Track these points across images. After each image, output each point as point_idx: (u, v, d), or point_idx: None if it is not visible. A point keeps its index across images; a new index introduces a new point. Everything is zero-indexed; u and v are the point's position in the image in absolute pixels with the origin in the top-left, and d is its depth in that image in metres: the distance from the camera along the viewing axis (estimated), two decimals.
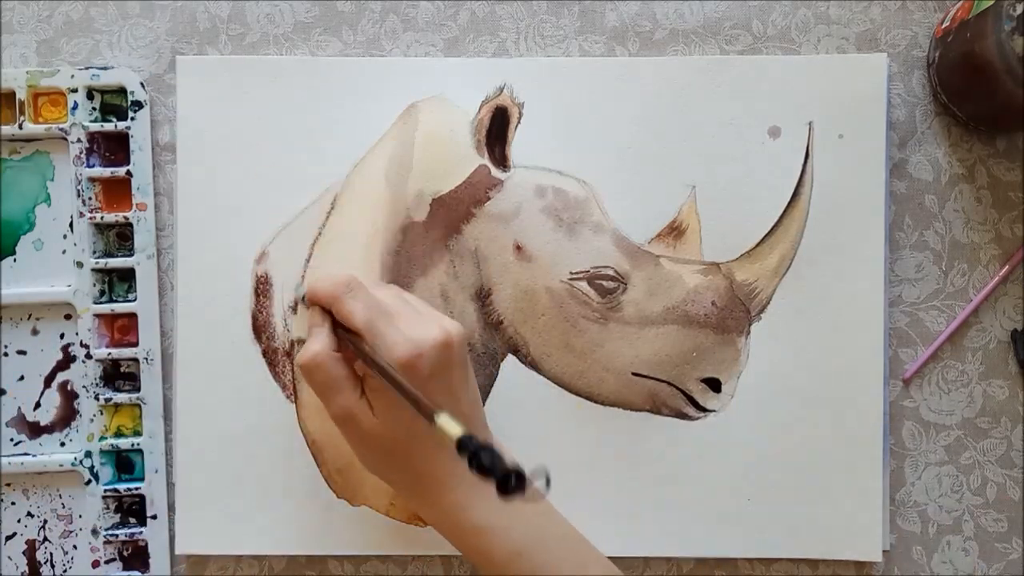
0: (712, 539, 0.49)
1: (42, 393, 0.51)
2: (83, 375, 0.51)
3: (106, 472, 0.51)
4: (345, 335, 0.42)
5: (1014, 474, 0.50)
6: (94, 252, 0.51)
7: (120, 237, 0.52)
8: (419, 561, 0.51)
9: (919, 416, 0.50)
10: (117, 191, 0.51)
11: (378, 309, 0.42)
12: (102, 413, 0.51)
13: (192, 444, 0.50)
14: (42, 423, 0.51)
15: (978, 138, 0.51)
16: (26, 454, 0.51)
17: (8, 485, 0.51)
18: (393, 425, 0.41)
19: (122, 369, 0.52)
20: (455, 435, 0.35)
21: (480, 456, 0.34)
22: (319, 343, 0.42)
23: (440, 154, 0.50)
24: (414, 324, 0.42)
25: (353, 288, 0.42)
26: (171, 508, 0.51)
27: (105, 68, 0.51)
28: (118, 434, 0.51)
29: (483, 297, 0.49)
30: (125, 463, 0.51)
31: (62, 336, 0.51)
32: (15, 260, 0.51)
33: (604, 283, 0.49)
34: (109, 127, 0.51)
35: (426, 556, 0.50)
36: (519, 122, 0.50)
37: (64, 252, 0.51)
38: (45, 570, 0.51)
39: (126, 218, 0.51)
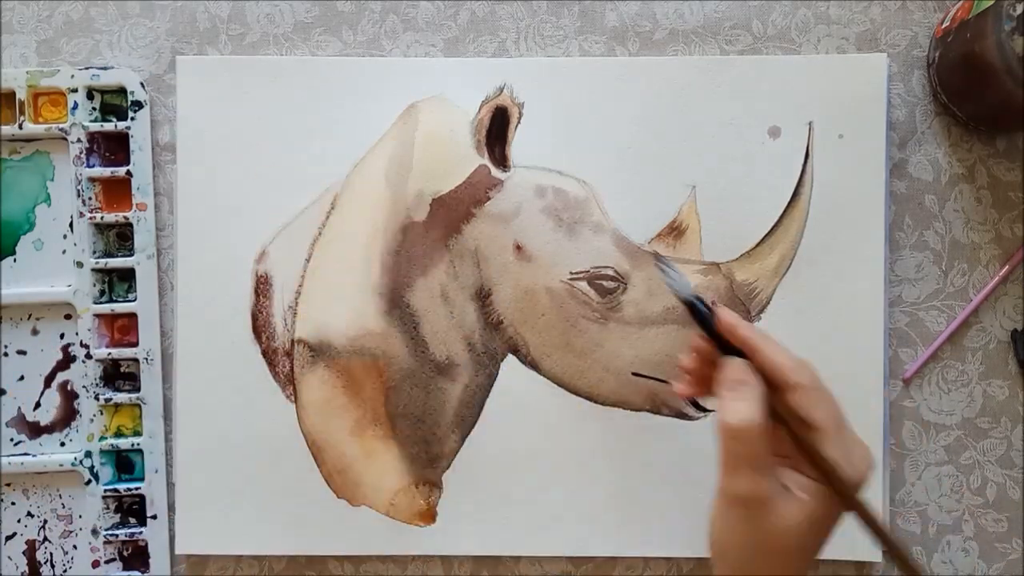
0: None
1: (42, 393, 0.51)
2: (83, 375, 0.51)
3: (106, 472, 0.51)
4: (794, 425, 0.37)
5: (1014, 474, 0.50)
6: (94, 252, 0.51)
7: (120, 237, 0.52)
8: (419, 561, 0.51)
9: (919, 416, 0.50)
10: (117, 191, 0.51)
11: (840, 411, 0.37)
12: (102, 413, 0.51)
13: (192, 444, 0.50)
14: (42, 423, 0.51)
15: (978, 138, 0.51)
16: (26, 454, 0.51)
17: (8, 485, 0.51)
18: (814, 532, 0.36)
19: (122, 369, 0.52)
20: None
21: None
22: (755, 410, 0.36)
23: (440, 154, 0.50)
24: (855, 436, 0.37)
25: (816, 379, 0.37)
26: (171, 508, 0.51)
27: (105, 68, 0.51)
28: (118, 434, 0.51)
29: (483, 297, 0.49)
30: (125, 463, 0.51)
31: (62, 336, 0.52)
32: (15, 260, 0.51)
33: (604, 283, 0.49)
34: (109, 127, 0.51)
35: (426, 556, 0.50)
36: (519, 122, 0.50)
37: (64, 252, 0.51)
38: (45, 570, 0.51)
39: (126, 218, 0.51)
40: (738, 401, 0.36)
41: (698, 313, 0.39)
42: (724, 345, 0.38)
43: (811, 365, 0.37)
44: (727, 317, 0.38)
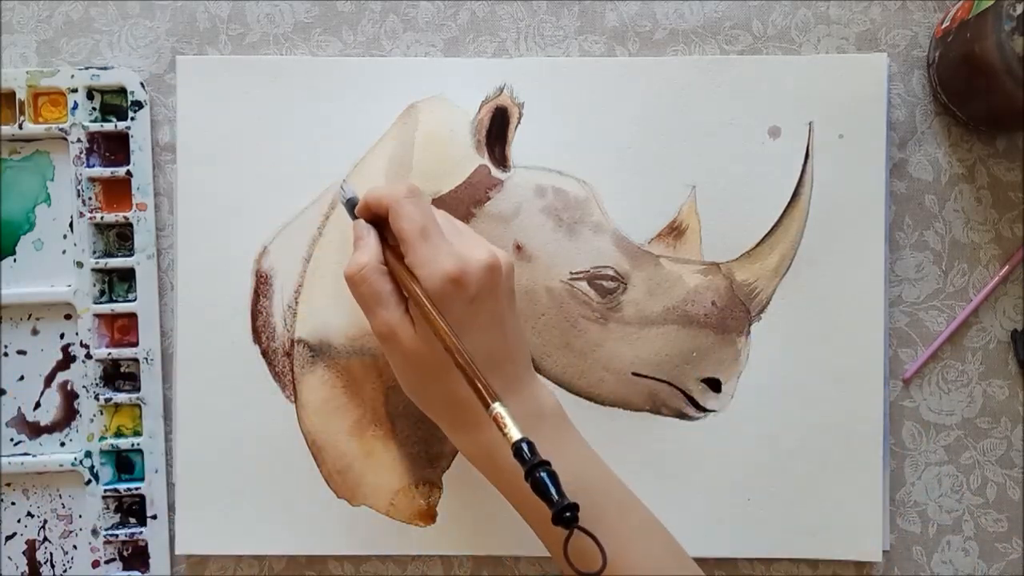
0: (712, 539, 0.49)
1: (42, 393, 0.51)
2: (83, 375, 0.51)
3: (106, 472, 0.51)
4: (394, 262, 0.41)
5: (1014, 474, 0.50)
6: (94, 252, 0.51)
7: (120, 237, 0.52)
8: (419, 561, 0.51)
9: (919, 416, 0.50)
10: (117, 191, 0.51)
11: (433, 221, 0.41)
12: (102, 413, 0.51)
13: (192, 444, 0.50)
14: (42, 423, 0.51)
15: (978, 138, 0.51)
16: (26, 454, 0.51)
17: (8, 485, 0.51)
18: (435, 345, 0.39)
19: (122, 369, 0.52)
20: (513, 437, 0.34)
21: (536, 472, 0.33)
22: (367, 254, 0.41)
23: (440, 154, 0.50)
24: (464, 243, 0.41)
25: (415, 194, 0.41)
26: (171, 508, 0.51)
27: (105, 68, 0.51)
28: (118, 434, 0.51)
29: None
30: (125, 463, 0.51)
31: (62, 336, 0.52)
32: (15, 260, 0.51)
33: (604, 283, 0.49)
34: (109, 127, 0.51)
35: (426, 556, 0.50)
36: (519, 122, 0.50)
37: (64, 252, 0.51)
38: (45, 570, 0.51)
39: (126, 218, 0.51)
40: (356, 253, 0.41)
41: (348, 204, 0.44)
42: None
43: (410, 186, 0.41)
44: (360, 203, 0.43)
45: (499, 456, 0.40)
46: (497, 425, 0.35)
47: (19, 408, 0.51)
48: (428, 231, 0.40)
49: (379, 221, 0.42)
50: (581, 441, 0.43)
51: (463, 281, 0.39)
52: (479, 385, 0.37)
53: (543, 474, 0.34)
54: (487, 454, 0.41)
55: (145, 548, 0.51)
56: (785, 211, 0.49)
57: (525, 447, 0.34)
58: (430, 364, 0.40)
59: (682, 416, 0.50)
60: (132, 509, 0.51)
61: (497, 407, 0.36)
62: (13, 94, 0.51)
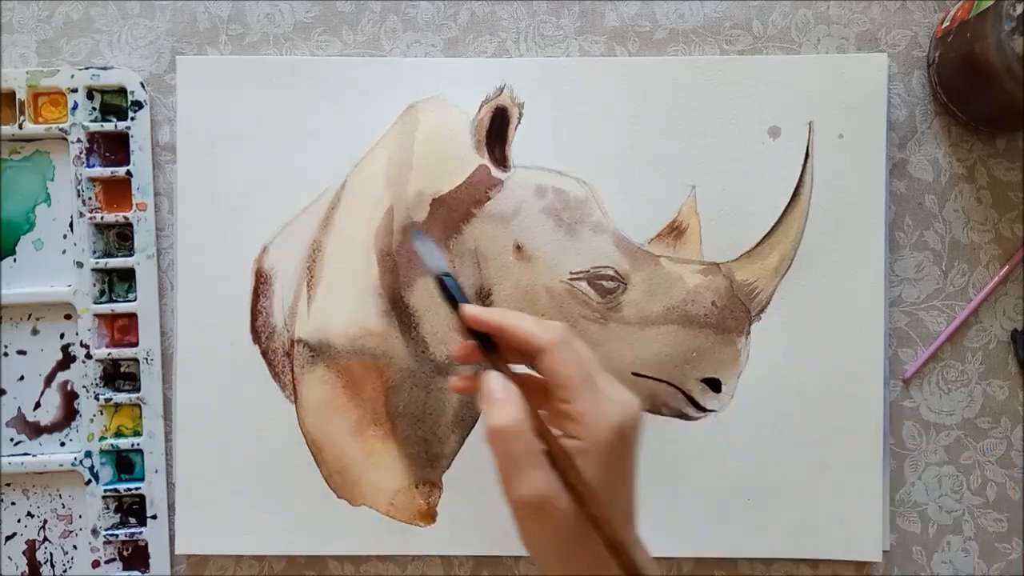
0: (712, 539, 0.49)
1: (42, 393, 0.51)
2: (83, 375, 0.51)
3: (106, 472, 0.51)
4: (537, 416, 0.36)
5: (1014, 474, 0.50)
6: (94, 252, 0.51)
7: (120, 237, 0.52)
8: (419, 561, 0.51)
9: (919, 416, 0.50)
10: (117, 191, 0.51)
11: (595, 364, 0.36)
12: (102, 413, 0.51)
13: (192, 444, 0.50)
14: (42, 423, 0.51)
15: (978, 138, 0.51)
16: (26, 454, 0.51)
17: (8, 485, 0.51)
18: (586, 525, 0.34)
19: (122, 369, 0.52)
20: None
21: None
22: (515, 408, 0.35)
23: (440, 154, 0.50)
24: (616, 387, 0.36)
25: (570, 339, 0.36)
26: (171, 508, 0.51)
27: (105, 68, 0.51)
28: (118, 434, 0.51)
29: (483, 297, 0.49)
30: (125, 463, 0.51)
31: (62, 336, 0.51)
32: (15, 260, 0.51)
33: (604, 283, 0.49)
34: (109, 127, 0.51)
35: (426, 556, 0.50)
36: (519, 122, 0.50)
37: (64, 252, 0.51)
38: (45, 570, 0.51)
39: (126, 218, 0.51)
40: (499, 406, 0.35)
41: (446, 289, 0.39)
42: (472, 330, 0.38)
43: (563, 327, 0.37)
44: (469, 311, 0.38)
45: None
46: None
47: (19, 408, 0.51)
48: (591, 377, 0.35)
49: (495, 339, 0.37)
50: None
51: (628, 432, 0.35)
52: (628, 563, 0.33)
53: None
54: None
55: (145, 548, 0.51)
56: (785, 211, 0.49)
57: None
58: (586, 537, 0.35)
59: (682, 416, 0.50)
60: (132, 509, 0.51)
61: None
62: (13, 94, 0.51)
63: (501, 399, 0.35)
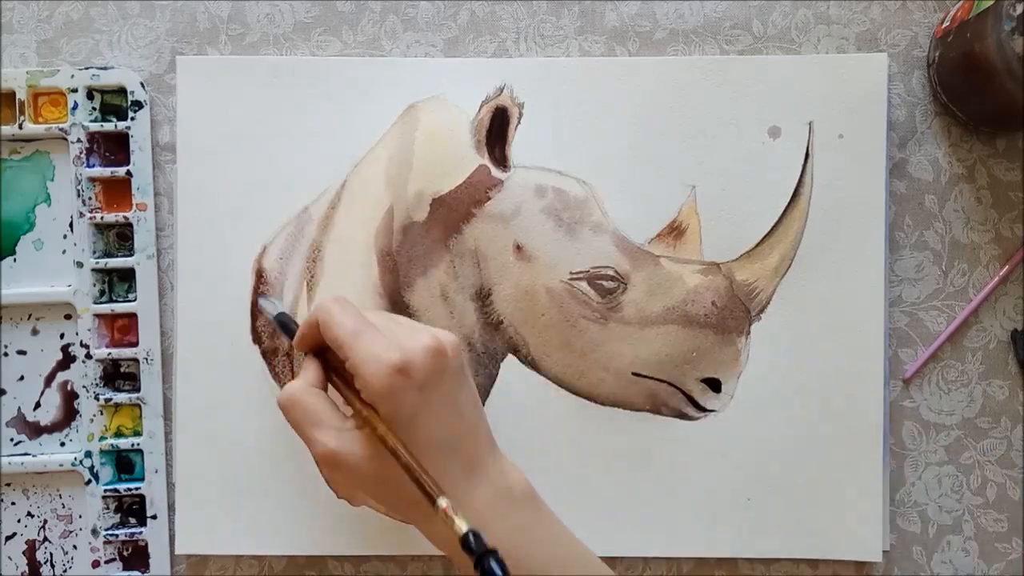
0: (712, 539, 0.49)
1: (42, 393, 0.51)
2: (83, 375, 0.51)
3: (106, 472, 0.51)
4: (336, 379, 0.41)
5: (1014, 474, 0.50)
6: (94, 252, 0.51)
7: (120, 237, 0.52)
8: (419, 561, 0.51)
9: (919, 416, 0.50)
10: (117, 191, 0.51)
11: (364, 319, 0.40)
12: (102, 413, 0.51)
13: (192, 444, 0.50)
14: (42, 423, 0.51)
15: (978, 138, 0.51)
16: (26, 454, 0.51)
17: (8, 485, 0.51)
18: (386, 464, 0.38)
19: (122, 369, 0.52)
20: (460, 529, 0.34)
21: (485, 562, 0.33)
22: (298, 380, 0.41)
23: (440, 154, 0.50)
24: (404, 333, 0.40)
25: (339, 301, 0.40)
26: (171, 508, 0.51)
27: (105, 68, 0.51)
28: (118, 434, 0.51)
29: (483, 297, 0.49)
30: (125, 463, 0.51)
31: (62, 336, 0.51)
32: (15, 260, 0.51)
33: (604, 283, 0.49)
34: (109, 127, 0.51)
35: (426, 556, 0.50)
36: (519, 122, 0.50)
37: (64, 252, 0.51)
38: (45, 570, 0.51)
39: (126, 218, 0.51)
40: (288, 382, 0.41)
41: (284, 327, 0.45)
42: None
43: (340, 297, 0.41)
44: (296, 340, 0.42)
45: None
46: (445, 519, 0.35)
47: (19, 408, 0.51)
48: (361, 330, 0.39)
49: (322, 348, 0.41)
50: (553, 520, 0.42)
51: (408, 369, 0.38)
52: (423, 482, 0.36)
53: (492, 563, 0.33)
54: (457, 544, 0.38)
55: (145, 548, 0.51)
56: (785, 211, 0.49)
57: (471, 538, 0.34)
58: (383, 479, 0.39)
59: (682, 416, 0.50)
60: (132, 509, 0.51)
61: (442, 501, 0.35)
62: (13, 94, 0.51)
63: (294, 378, 0.41)
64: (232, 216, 0.50)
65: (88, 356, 0.51)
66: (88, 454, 0.51)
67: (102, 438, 0.51)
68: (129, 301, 0.51)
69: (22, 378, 0.51)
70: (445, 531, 0.37)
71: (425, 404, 0.38)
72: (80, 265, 0.51)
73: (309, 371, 0.41)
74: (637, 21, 0.51)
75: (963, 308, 0.50)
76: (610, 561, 0.50)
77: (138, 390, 0.51)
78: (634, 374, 0.49)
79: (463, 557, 0.35)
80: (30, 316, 0.51)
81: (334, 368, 0.41)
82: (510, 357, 0.50)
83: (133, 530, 0.51)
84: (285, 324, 0.45)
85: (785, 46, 0.51)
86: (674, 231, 0.50)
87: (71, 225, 0.51)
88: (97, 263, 0.51)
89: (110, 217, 0.51)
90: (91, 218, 0.51)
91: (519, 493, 0.41)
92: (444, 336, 0.40)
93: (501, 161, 0.50)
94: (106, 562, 0.51)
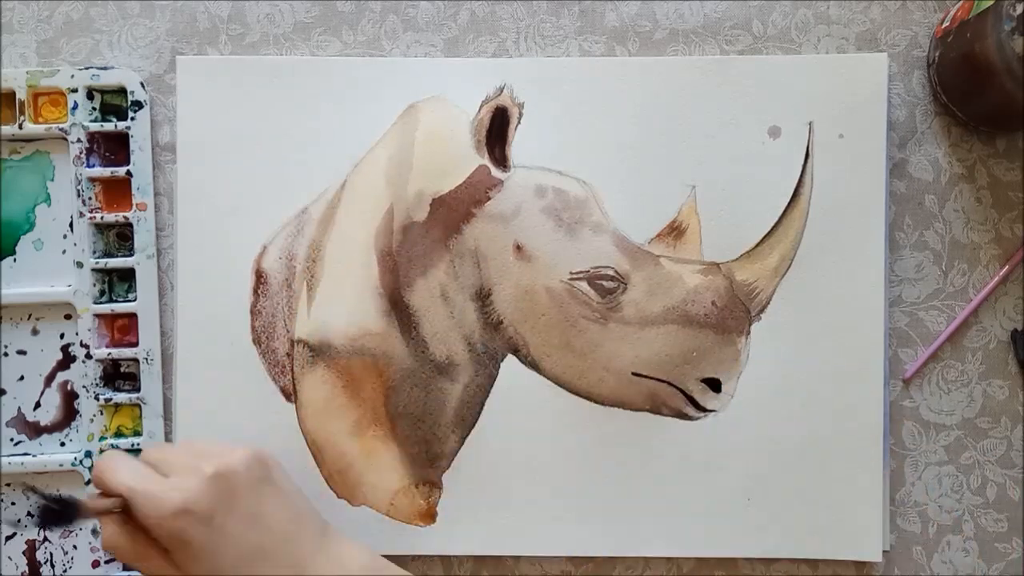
0: (712, 539, 0.49)
1: (42, 393, 0.51)
2: (83, 375, 0.51)
3: None
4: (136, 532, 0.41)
5: (1014, 474, 0.50)
6: (94, 252, 0.51)
7: (120, 237, 0.52)
8: (419, 561, 0.51)
9: (919, 416, 0.50)
10: (117, 191, 0.51)
11: (142, 470, 0.41)
12: (102, 413, 0.51)
13: None
14: (42, 423, 0.51)
15: (978, 138, 0.51)
16: (26, 454, 0.51)
17: (8, 485, 0.51)
18: (198, 568, 0.40)
19: (122, 369, 0.52)
20: None
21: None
22: (109, 527, 0.41)
23: (440, 154, 0.50)
24: (185, 466, 0.41)
25: (116, 456, 0.42)
26: None
27: (105, 68, 0.51)
28: (118, 434, 0.51)
29: (483, 297, 0.49)
30: None
31: (62, 336, 0.51)
32: (15, 260, 0.51)
33: (604, 283, 0.49)
34: (109, 127, 0.51)
35: (426, 556, 0.50)
36: (519, 122, 0.50)
37: (64, 252, 0.51)
38: (45, 570, 0.51)
39: (126, 218, 0.51)
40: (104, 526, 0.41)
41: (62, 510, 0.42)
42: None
43: (114, 452, 0.43)
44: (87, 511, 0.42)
45: None
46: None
47: (19, 408, 0.51)
48: (137, 481, 0.40)
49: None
50: None
51: (189, 509, 0.39)
52: None
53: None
54: None
55: None
56: (785, 211, 0.49)
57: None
58: None
59: (682, 416, 0.50)
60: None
61: None
62: (13, 94, 0.51)
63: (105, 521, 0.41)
64: (232, 216, 0.50)
65: (88, 356, 0.51)
66: (88, 454, 0.51)
67: (102, 438, 0.51)
68: (129, 301, 0.51)
69: (22, 378, 0.51)
70: None
71: (219, 533, 0.40)
72: (80, 265, 0.51)
73: (108, 522, 0.41)
74: (637, 21, 0.51)
75: (963, 308, 0.50)
76: (610, 561, 0.50)
77: (138, 390, 0.51)
78: (634, 374, 0.49)
79: None
80: (30, 316, 0.51)
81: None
82: (510, 357, 0.50)
83: None
84: (60, 508, 0.42)
85: (785, 46, 0.51)
86: (674, 231, 0.50)
87: (71, 225, 0.51)
88: (97, 263, 0.51)
89: (110, 217, 0.51)
90: (91, 218, 0.51)
91: (359, 569, 0.43)
92: (233, 457, 0.41)
93: (501, 161, 0.50)
94: (106, 562, 0.51)
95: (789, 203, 0.49)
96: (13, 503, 0.51)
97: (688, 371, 0.49)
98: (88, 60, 0.52)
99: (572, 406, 0.50)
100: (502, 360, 0.50)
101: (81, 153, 0.51)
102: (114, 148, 0.52)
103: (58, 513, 0.41)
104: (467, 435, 0.50)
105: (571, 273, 0.49)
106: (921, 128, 0.51)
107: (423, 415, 0.50)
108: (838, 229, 0.49)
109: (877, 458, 0.49)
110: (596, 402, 0.50)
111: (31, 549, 0.51)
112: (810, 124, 0.50)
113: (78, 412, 0.51)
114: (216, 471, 0.40)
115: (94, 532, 0.50)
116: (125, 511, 0.41)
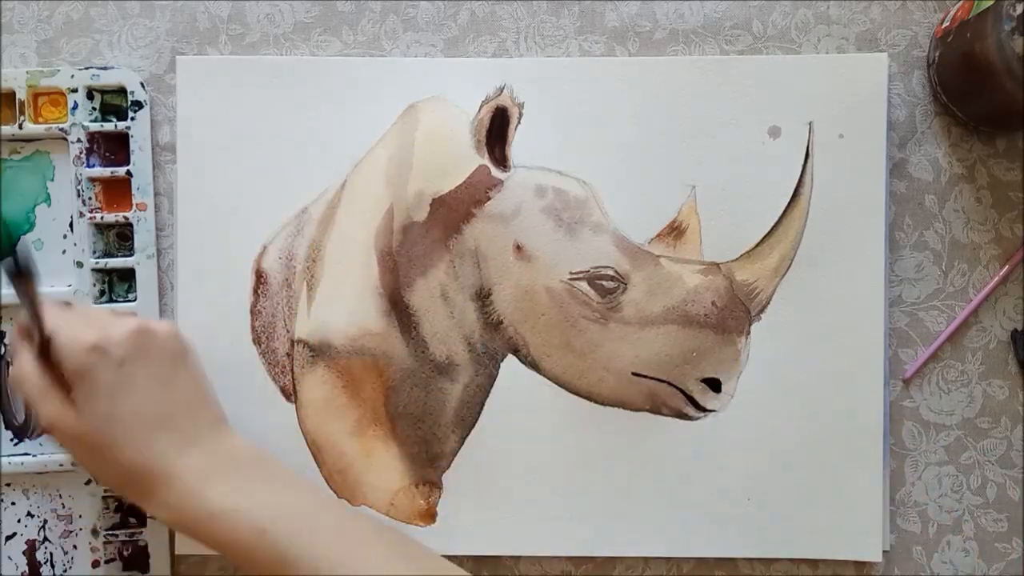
0: (712, 539, 0.49)
1: None
2: None
3: None
4: (45, 363, 0.43)
5: (1014, 474, 0.50)
6: (94, 252, 0.51)
7: (120, 237, 0.52)
8: None
9: (919, 416, 0.50)
10: (117, 191, 0.51)
11: (73, 309, 0.45)
12: None
13: None
14: None
15: (978, 138, 0.51)
16: (26, 454, 0.51)
17: (8, 485, 0.51)
18: (95, 421, 0.42)
19: None
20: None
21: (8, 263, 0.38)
22: (23, 357, 0.43)
23: (440, 154, 0.50)
24: (112, 320, 0.44)
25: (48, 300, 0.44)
26: None
27: (105, 68, 0.51)
28: None
29: (483, 297, 0.49)
30: None
31: None
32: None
33: (604, 283, 0.49)
34: (109, 127, 0.51)
35: None
36: (519, 122, 0.50)
37: (64, 252, 0.51)
38: (45, 570, 0.51)
39: (126, 218, 0.51)
40: (16, 359, 0.44)
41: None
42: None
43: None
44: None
45: (198, 505, 0.42)
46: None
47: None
48: (65, 316, 0.43)
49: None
50: (286, 476, 0.44)
51: (104, 347, 0.42)
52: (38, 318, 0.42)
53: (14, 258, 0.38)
54: (186, 510, 0.42)
55: (145, 548, 0.51)
56: (785, 211, 0.49)
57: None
58: (99, 441, 0.42)
59: (682, 416, 0.50)
60: (132, 509, 0.51)
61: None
62: (13, 94, 0.51)
63: (17, 355, 0.43)
64: (232, 216, 0.50)
65: None
66: None
67: None
68: (129, 301, 0.51)
69: None
70: (172, 499, 0.41)
71: (127, 380, 0.42)
72: (80, 265, 0.51)
73: (24, 351, 0.43)
74: (637, 21, 0.51)
75: (963, 308, 0.50)
76: (610, 561, 0.50)
77: None
78: (634, 374, 0.49)
79: (195, 521, 0.41)
80: None
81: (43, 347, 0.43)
82: (510, 357, 0.50)
83: (133, 530, 0.51)
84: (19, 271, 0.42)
85: (785, 46, 0.51)
86: (674, 231, 0.50)
87: (71, 225, 0.51)
88: (97, 263, 0.51)
89: (110, 217, 0.51)
90: (91, 218, 0.51)
91: (243, 458, 0.44)
92: (158, 324, 0.45)
93: (501, 161, 0.50)
94: (106, 562, 0.51)
95: (789, 203, 0.49)
96: (13, 503, 0.51)
97: (688, 371, 0.49)
98: (88, 60, 0.52)
99: (572, 406, 0.50)
100: (502, 360, 0.50)
101: (81, 153, 0.51)
102: (114, 148, 0.52)
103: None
104: (467, 435, 0.50)
105: (571, 273, 0.49)
106: (921, 128, 0.51)
107: (423, 415, 0.50)
108: (838, 229, 0.49)
109: (877, 458, 0.49)
110: (596, 402, 0.50)
111: (31, 549, 0.51)
112: (810, 124, 0.50)
113: None
114: (139, 327, 0.43)
115: (94, 532, 0.50)
116: (43, 353, 0.42)
